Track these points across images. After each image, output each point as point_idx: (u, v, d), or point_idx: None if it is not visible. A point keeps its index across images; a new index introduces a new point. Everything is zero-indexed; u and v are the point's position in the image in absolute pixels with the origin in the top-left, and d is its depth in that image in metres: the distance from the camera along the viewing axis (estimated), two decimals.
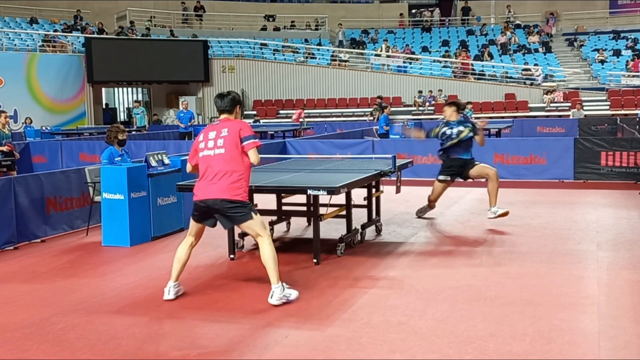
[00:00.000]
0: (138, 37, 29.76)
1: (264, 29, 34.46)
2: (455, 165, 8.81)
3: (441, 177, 8.92)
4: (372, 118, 24.72)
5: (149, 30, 30.72)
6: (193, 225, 5.73)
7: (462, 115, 9.03)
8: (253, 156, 5.49)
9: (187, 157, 9.17)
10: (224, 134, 5.48)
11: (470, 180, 9.10)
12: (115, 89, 32.48)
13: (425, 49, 33.32)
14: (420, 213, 9.24)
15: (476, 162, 8.76)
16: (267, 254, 5.45)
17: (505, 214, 8.43)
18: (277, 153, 13.67)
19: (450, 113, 8.89)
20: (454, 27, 36.62)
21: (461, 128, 8.71)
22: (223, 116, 5.66)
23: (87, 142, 16.37)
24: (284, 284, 5.50)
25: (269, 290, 5.93)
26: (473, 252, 7.23)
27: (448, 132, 8.75)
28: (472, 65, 30.35)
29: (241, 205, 5.45)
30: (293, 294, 5.48)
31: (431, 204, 9.20)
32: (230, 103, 5.66)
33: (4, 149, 11.93)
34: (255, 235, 5.54)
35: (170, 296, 5.67)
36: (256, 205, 7.78)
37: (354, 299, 5.58)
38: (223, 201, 5.41)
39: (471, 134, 8.68)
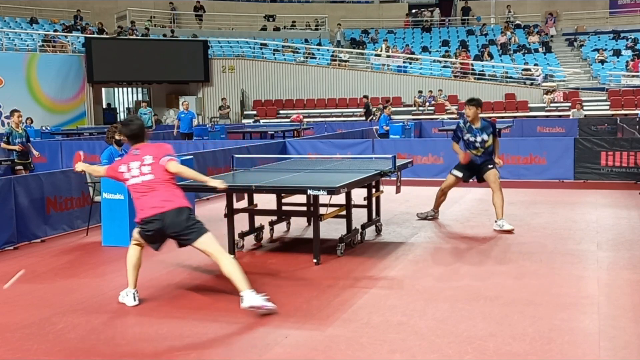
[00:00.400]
0: (138, 37, 29.77)
1: (264, 29, 34.47)
2: (470, 166, 8.64)
3: (454, 172, 8.76)
4: (371, 118, 24.86)
5: (148, 30, 30.71)
6: (139, 238, 5.59)
7: (482, 118, 8.63)
8: (174, 167, 5.45)
9: (187, 158, 9.27)
10: (149, 161, 5.44)
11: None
12: (115, 89, 32.47)
13: (425, 49, 33.33)
14: (422, 215, 9.17)
15: (490, 166, 8.52)
16: (231, 266, 5.33)
17: (509, 232, 8.19)
18: (277, 153, 13.67)
19: (473, 114, 8.48)
20: (454, 27, 36.63)
21: (485, 137, 8.45)
22: (138, 144, 5.55)
23: (87, 142, 16.39)
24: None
25: (269, 290, 5.93)
26: (473, 252, 7.23)
27: (472, 139, 8.51)
28: (472, 65, 30.35)
29: (195, 222, 5.42)
30: (269, 304, 5.22)
31: (436, 209, 9.09)
32: (142, 129, 5.61)
33: (17, 148, 11.96)
34: (211, 251, 5.38)
35: (136, 302, 5.60)
36: (256, 205, 7.82)
37: (354, 299, 5.58)
38: (176, 212, 5.33)
39: (491, 141, 8.51)
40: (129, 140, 5.62)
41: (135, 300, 5.62)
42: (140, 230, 5.55)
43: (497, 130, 8.76)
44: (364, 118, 25.47)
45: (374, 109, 24.92)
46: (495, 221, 8.38)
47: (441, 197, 9.06)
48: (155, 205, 5.37)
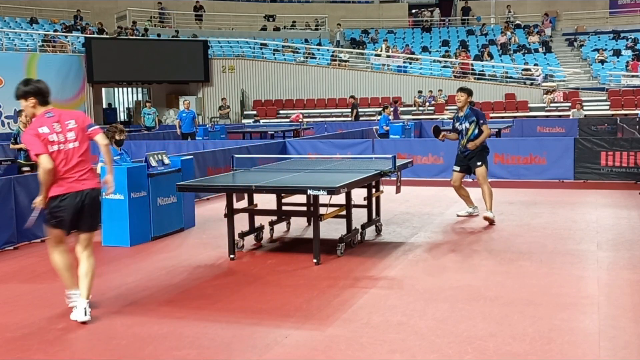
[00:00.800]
0: (138, 37, 29.77)
1: (264, 29, 34.47)
2: (462, 158, 8.97)
3: (454, 167, 9.12)
4: (352, 119, 25.14)
5: (147, 31, 30.71)
6: (53, 233, 5.32)
7: (469, 107, 8.89)
8: (103, 139, 5.34)
9: (186, 158, 9.25)
10: (72, 125, 5.18)
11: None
12: (116, 89, 32.47)
13: (425, 49, 33.32)
14: (464, 214, 9.23)
15: (478, 163, 8.76)
16: (93, 266, 5.31)
17: (490, 221, 8.54)
18: (277, 153, 13.67)
19: (463, 102, 8.79)
20: (454, 27, 36.63)
21: (467, 125, 8.78)
22: (48, 107, 5.27)
23: None
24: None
25: (269, 290, 5.95)
26: (473, 252, 7.23)
27: (459, 127, 8.90)
28: (472, 65, 30.35)
29: (99, 211, 5.45)
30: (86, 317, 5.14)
31: (470, 204, 9.19)
32: (48, 89, 5.43)
33: (23, 146, 11.96)
34: (87, 246, 5.31)
35: (87, 317, 5.15)
36: (256, 205, 7.82)
37: (354, 299, 5.58)
38: (92, 191, 5.23)
39: (477, 130, 8.75)
40: (36, 99, 5.23)
41: (86, 314, 5.12)
42: (51, 213, 5.17)
43: (483, 122, 8.83)
44: (350, 119, 25.52)
45: (353, 102, 25.33)
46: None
47: (461, 192, 9.20)
48: (77, 178, 5.15)
